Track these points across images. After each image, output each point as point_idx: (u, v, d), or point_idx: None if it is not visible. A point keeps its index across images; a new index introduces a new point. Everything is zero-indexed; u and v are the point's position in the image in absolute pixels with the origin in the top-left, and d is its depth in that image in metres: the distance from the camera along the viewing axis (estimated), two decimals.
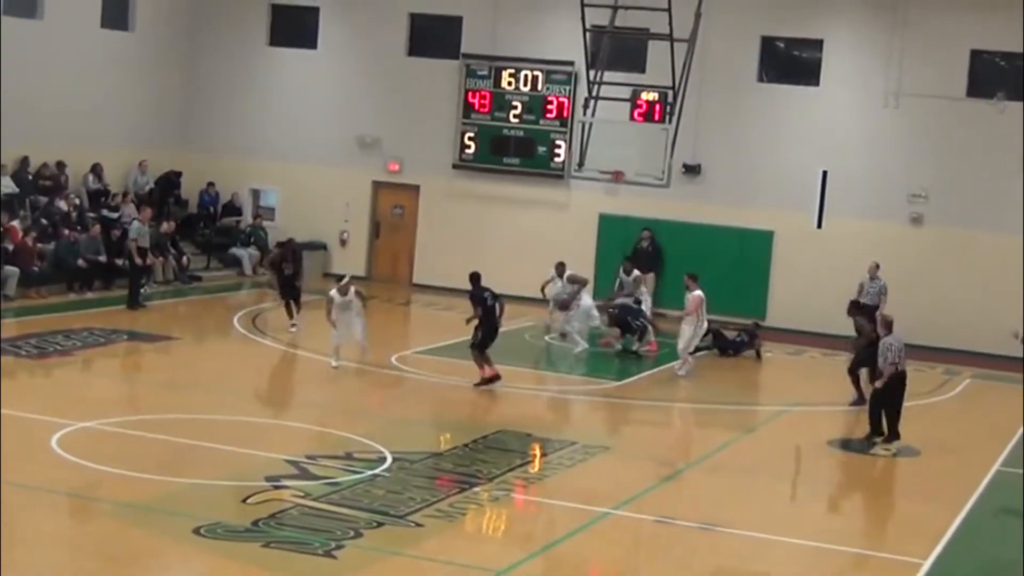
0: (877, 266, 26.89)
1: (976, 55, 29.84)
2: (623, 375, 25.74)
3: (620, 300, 27.20)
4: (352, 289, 23.34)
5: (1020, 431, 22.22)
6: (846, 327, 24.90)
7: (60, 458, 16.51)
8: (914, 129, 30.31)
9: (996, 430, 22.16)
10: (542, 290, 27.85)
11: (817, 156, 29.74)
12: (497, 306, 22.37)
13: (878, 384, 20.30)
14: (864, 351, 21.99)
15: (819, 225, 28.82)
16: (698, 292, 24.69)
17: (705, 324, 25.12)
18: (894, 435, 19.99)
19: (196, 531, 14.15)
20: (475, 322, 22.21)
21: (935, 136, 29.99)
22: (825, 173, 28.62)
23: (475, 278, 22.56)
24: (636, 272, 27.86)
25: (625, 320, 26.44)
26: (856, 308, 24.47)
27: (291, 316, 26.45)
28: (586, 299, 26.97)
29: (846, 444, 20.89)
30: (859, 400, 22.23)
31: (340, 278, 24.37)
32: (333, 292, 23.27)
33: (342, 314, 23.20)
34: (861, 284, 27.26)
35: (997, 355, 28.03)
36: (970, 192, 29.70)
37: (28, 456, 16.35)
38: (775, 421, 22.61)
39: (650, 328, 27.06)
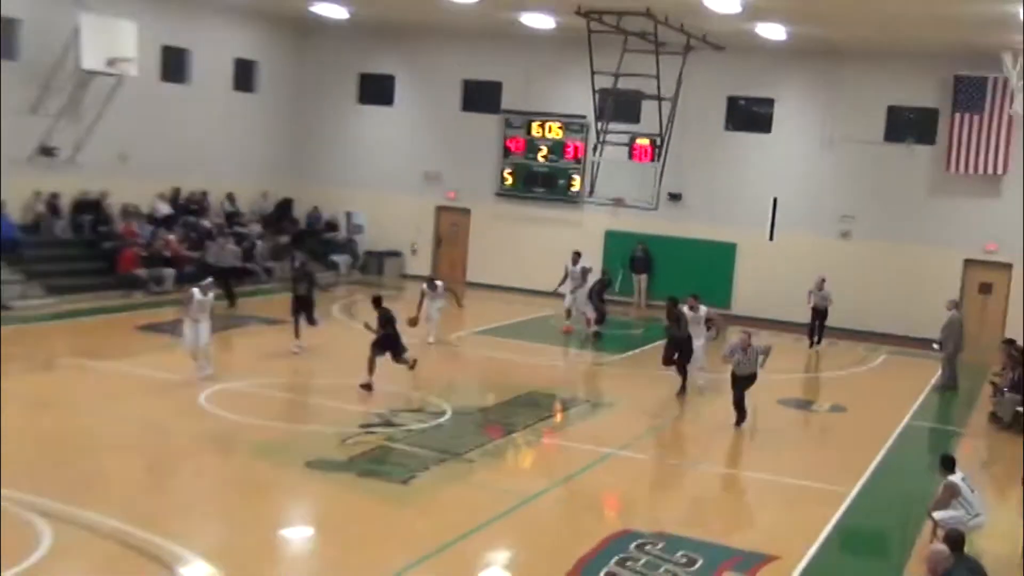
0: (823, 280, 26.66)
1: (892, 109, 29.82)
2: (625, 350, 25.91)
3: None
4: (440, 286, 24.10)
5: (923, 394, 22.30)
6: (793, 315, 24.95)
7: (207, 411, 16.77)
8: (844, 166, 30.27)
9: (905, 393, 22.18)
10: (558, 287, 27.63)
11: (770, 187, 29.97)
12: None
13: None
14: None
15: (771, 238, 29.37)
16: (704, 309, 21.54)
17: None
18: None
19: (307, 464, 14.38)
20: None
21: (860, 172, 29.98)
22: (775, 200, 29.21)
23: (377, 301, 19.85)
24: (582, 265, 27.24)
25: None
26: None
27: (297, 336, 21.80)
28: (586, 288, 26.98)
29: (790, 402, 20.99)
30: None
31: (431, 280, 24.66)
32: (424, 287, 23.84)
33: (432, 303, 23.69)
34: (810, 292, 26.83)
35: (907, 336, 28.04)
36: (887, 214, 29.70)
37: (183, 411, 16.56)
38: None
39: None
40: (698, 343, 20.87)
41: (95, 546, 11.19)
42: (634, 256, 32.19)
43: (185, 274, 28.07)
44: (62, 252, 27.14)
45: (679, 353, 20.52)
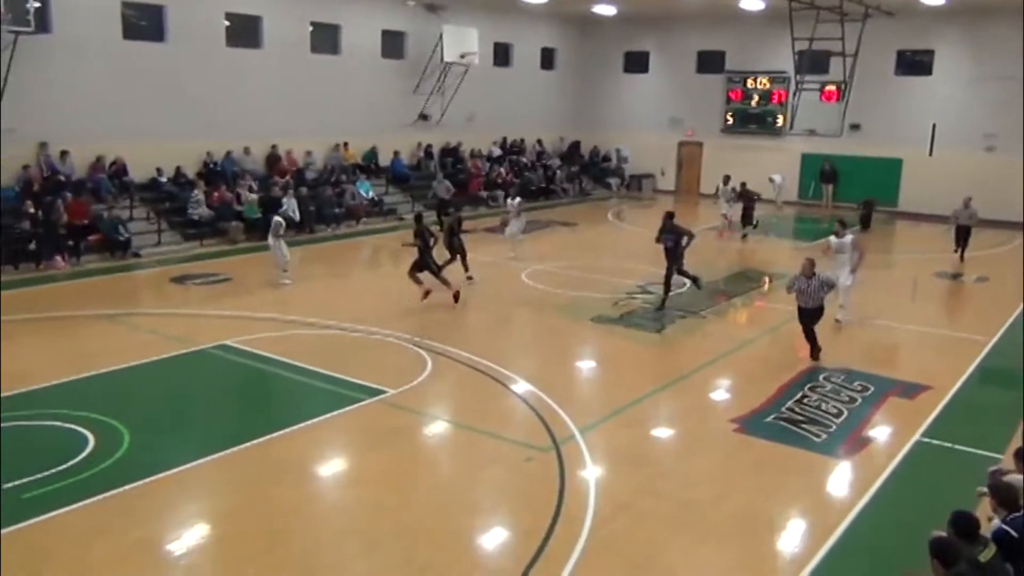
0: (969, 199, 21.10)
1: None
2: (816, 238, 24.46)
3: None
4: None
5: None
6: (946, 210, 22.72)
7: (526, 284, 17.09)
8: (989, 98, 26.92)
9: None
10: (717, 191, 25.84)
11: (929, 116, 27.01)
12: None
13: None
14: None
15: (930, 154, 26.63)
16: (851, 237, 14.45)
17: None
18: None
19: (591, 319, 14.44)
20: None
21: (1001, 102, 26.51)
22: (934, 125, 26.43)
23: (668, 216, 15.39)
24: (732, 183, 24.43)
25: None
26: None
27: (439, 274, 15.16)
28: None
29: (943, 275, 19.18)
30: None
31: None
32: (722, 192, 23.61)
33: (732, 207, 23.72)
34: (954, 213, 21.03)
35: None
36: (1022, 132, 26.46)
37: (511, 283, 16.86)
38: (905, 261, 21.06)
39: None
40: (842, 277, 14.04)
41: (457, 370, 11.67)
42: (823, 170, 30.26)
43: (508, 193, 28.66)
44: (434, 181, 28.16)
45: None
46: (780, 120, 31.01)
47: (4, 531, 7.04)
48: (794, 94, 27.06)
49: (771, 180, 28.84)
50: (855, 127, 28.83)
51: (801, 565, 7.01)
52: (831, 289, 12.56)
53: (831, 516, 7.87)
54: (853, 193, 28.24)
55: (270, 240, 16.61)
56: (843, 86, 25.79)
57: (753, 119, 31.85)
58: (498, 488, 8.32)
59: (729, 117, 32.27)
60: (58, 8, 18.96)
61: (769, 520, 7.79)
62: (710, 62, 32.59)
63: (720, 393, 11.42)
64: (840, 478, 8.83)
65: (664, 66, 33.79)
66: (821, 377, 11.73)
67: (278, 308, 14.50)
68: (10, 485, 7.70)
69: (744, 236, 23.42)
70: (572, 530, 7.33)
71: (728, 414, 10.37)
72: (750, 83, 31.69)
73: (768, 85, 31.32)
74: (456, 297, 15.04)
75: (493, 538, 7.42)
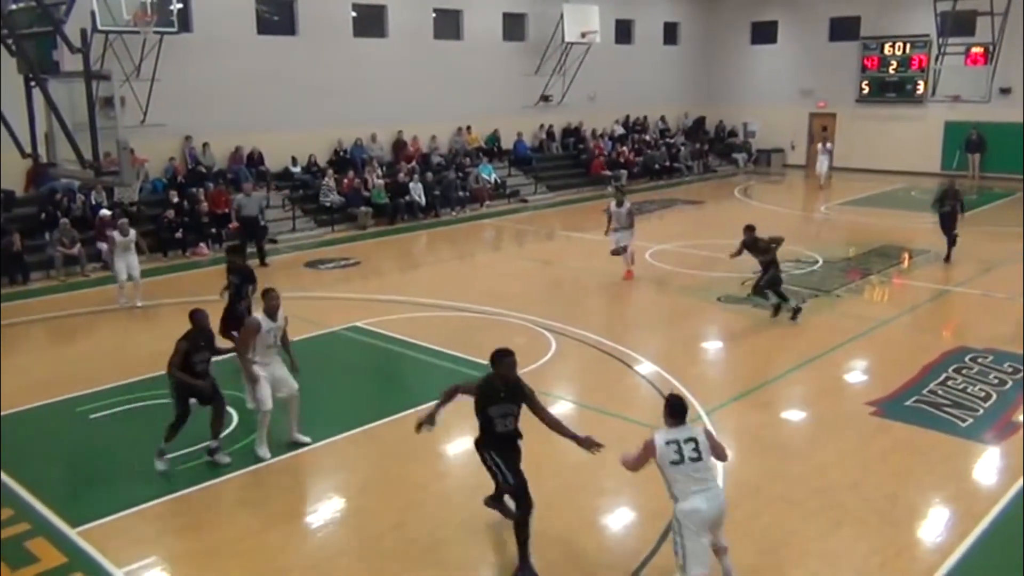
0: None
1: None
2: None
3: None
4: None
5: None
6: None
7: (650, 264, 16.92)
8: None
9: None
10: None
11: None
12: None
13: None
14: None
15: None
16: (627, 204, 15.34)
17: None
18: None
19: (717, 299, 14.15)
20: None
21: None
22: None
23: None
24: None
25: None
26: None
27: None
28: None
29: None
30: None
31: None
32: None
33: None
34: None
35: None
36: None
37: (637, 263, 16.72)
38: None
39: None
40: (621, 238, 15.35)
41: (582, 351, 11.70)
42: (969, 139, 28.57)
43: (633, 173, 28.45)
44: (556, 163, 28.19)
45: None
46: (921, 87, 29.44)
47: (163, 499, 7.61)
48: (936, 58, 25.58)
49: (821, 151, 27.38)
50: (1005, 91, 27.01)
51: (944, 555, 6.67)
52: None
53: (977, 505, 7.45)
54: (1003, 163, 26.46)
55: None
56: (991, 48, 24.16)
57: (891, 87, 30.43)
58: (624, 469, 8.28)
59: (864, 86, 30.91)
60: (198, 8, 20.01)
61: (909, 507, 7.44)
62: (843, 29, 31.24)
63: (856, 375, 10.96)
64: (987, 465, 8.33)
65: (794, 35, 32.59)
66: (967, 358, 11.08)
67: (405, 290, 14.89)
68: (167, 457, 8.27)
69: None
70: None
71: (865, 396, 9.94)
72: (887, 49, 30.31)
73: (907, 50, 29.84)
74: None
75: (619, 519, 7.41)
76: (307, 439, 8.71)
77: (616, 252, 15.52)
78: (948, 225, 16.75)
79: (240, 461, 8.28)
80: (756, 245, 12.89)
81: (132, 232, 14.13)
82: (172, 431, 8.16)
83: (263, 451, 8.40)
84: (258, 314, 8.48)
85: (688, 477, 5.62)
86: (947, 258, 16.73)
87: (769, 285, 12.84)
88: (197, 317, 8.36)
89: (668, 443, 5.67)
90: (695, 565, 5.57)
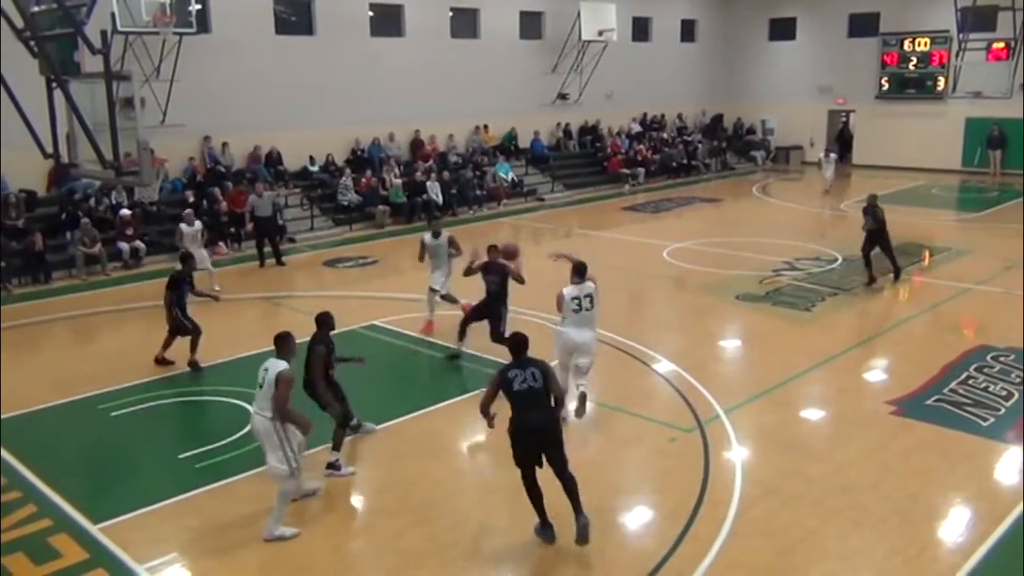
0: None
1: None
2: (981, 209, 22.89)
3: None
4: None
5: None
6: None
7: (668, 262, 16.85)
8: None
9: None
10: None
11: None
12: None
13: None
14: None
15: None
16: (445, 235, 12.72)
17: None
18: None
19: (736, 297, 14.08)
20: None
21: None
22: None
23: None
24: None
25: None
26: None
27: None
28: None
29: None
30: None
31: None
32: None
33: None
34: None
35: None
36: None
37: (652, 262, 16.70)
38: None
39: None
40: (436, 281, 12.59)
41: (600, 349, 11.60)
42: (990, 136, 28.19)
43: (650, 171, 28.36)
44: (573, 161, 28.14)
45: None
46: (941, 83, 29.15)
47: (183, 496, 7.65)
48: (957, 54, 25.39)
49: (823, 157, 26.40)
50: None
51: (965, 556, 6.61)
52: None
53: (999, 505, 7.37)
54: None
55: None
56: (1013, 43, 23.88)
57: (911, 83, 30.14)
58: (641, 468, 8.27)
59: (884, 82, 30.65)
60: (216, 9, 20.12)
61: (930, 507, 7.38)
62: (863, 25, 31.00)
63: (876, 373, 10.88)
64: (1009, 464, 8.24)
65: (812, 32, 32.38)
66: (989, 357, 10.97)
67: (423, 289, 14.88)
68: (185, 455, 8.33)
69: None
70: (717, 512, 7.19)
71: (885, 395, 9.86)
72: (907, 45, 30.01)
73: (927, 46, 29.51)
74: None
75: (637, 518, 7.38)
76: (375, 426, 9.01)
77: (448, 298, 12.48)
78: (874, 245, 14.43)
79: (257, 460, 8.30)
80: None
81: (197, 223, 14.25)
82: (340, 433, 8.09)
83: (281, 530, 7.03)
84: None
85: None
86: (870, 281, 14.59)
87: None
88: (325, 319, 7.93)
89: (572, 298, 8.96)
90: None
